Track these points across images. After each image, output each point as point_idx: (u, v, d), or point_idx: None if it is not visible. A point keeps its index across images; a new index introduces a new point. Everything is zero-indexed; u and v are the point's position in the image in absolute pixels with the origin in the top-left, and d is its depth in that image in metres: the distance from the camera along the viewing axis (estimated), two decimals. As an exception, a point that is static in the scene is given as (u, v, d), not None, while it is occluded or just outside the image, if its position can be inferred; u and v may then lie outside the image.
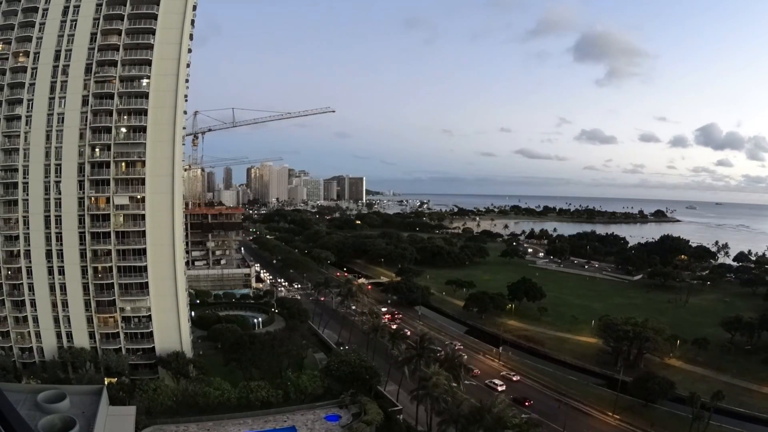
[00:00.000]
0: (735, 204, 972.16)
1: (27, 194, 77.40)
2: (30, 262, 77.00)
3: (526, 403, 76.02)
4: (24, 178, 77.50)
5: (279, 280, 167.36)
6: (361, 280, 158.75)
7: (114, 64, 78.85)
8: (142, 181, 78.55)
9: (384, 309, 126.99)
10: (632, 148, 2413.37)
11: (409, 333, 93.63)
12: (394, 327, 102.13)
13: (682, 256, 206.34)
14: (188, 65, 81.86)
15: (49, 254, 77.16)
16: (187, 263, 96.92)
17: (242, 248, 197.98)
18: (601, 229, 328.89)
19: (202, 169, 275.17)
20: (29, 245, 77.00)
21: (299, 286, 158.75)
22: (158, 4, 79.37)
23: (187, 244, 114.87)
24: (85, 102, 78.37)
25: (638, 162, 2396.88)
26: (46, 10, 78.92)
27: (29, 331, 77.62)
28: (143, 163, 78.53)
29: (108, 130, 78.47)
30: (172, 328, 79.15)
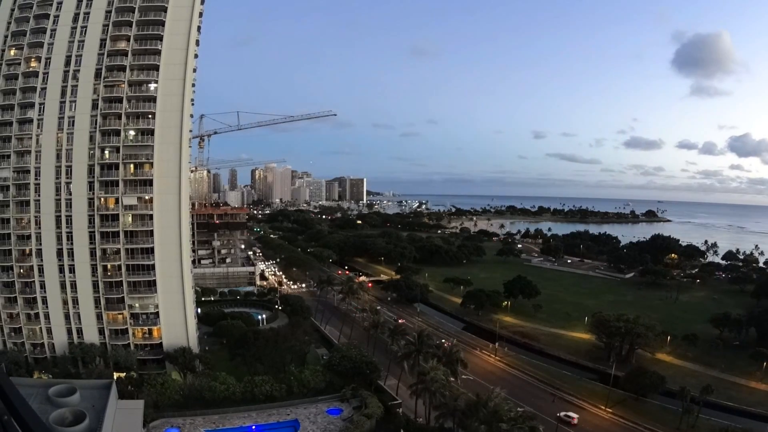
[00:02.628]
0: (690, 203, 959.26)
1: (39, 195, 77.44)
2: (42, 260, 77.10)
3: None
4: (36, 179, 77.54)
5: (280, 275, 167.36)
6: (362, 278, 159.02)
7: (123, 68, 78.88)
8: (150, 183, 78.58)
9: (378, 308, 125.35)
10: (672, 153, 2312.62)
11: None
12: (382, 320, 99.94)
13: (673, 255, 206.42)
14: (194, 70, 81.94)
15: (60, 253, 77.22)
16: (193, 262, 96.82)
17: (252, 248, 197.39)
18: (594, 229, 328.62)
19: (208, 171, 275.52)
20: (41, 244, 77.09)
21: (304, 285, 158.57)
22: (165, 11, 79.39)
23: (193, 243, 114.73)
24: (94, 106, 78.43)
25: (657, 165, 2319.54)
26: (57, 16, 78.96)
27: (41, 328, 77.69)
28: (151, 164, 78.55)
29: (117, 132, 78.49)
30: (179, 324, 79.19)
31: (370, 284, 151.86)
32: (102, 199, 78.42)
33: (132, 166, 79.12)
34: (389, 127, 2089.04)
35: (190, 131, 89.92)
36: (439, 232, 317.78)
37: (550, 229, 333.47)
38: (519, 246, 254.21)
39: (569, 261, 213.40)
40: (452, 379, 64.50)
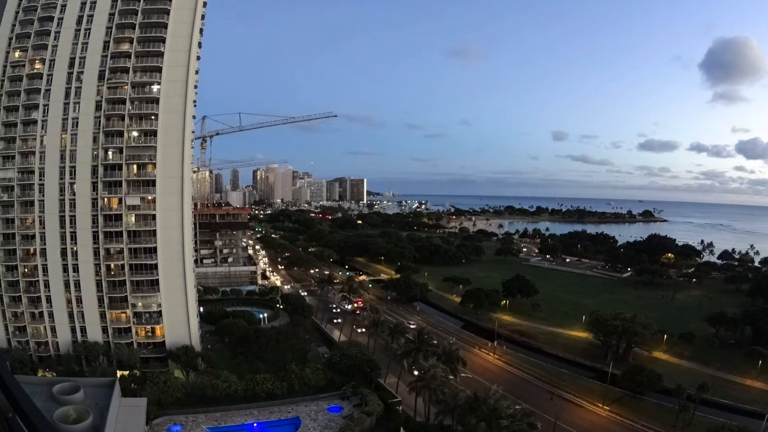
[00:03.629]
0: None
1: (43, 195, 77.43)
2: (46, 260, 77.12)
3: None
4: (40, 179, 77.53)
5: (282, 273, 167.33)
6: (362, 277, 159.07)
7: (126, 70, 78.87)
8: (153, 183, 78.59)
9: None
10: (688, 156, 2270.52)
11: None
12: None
13: (669, 255, 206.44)
14: (197, 72, 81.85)
15: (64, 253, 77.24)
16: (195, 261, 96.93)
17: (254, 247, 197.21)
18: (592, 229, 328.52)
19: (210, 171, 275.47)
20: (45, 244, 77.10)
21: (305, 284, 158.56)
22: (168, 14, 79.40)
23: (195, 242, 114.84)
24: (98, 107, 78.40)
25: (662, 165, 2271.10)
26: (61, 19, 78.96)
27: (45, 326, 77.69)
28: (154, 165, 78.56)
29: (120, 133, 78.49)
30: (181, 323, 79.19)
31: (370, 283, 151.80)
32: (105, 199, 78.41)
33: (135, 166, 79.11)
34: (418, 128, 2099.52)
35: (193, 132, 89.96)
36: (438, 231, 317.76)
37: (548, 229, 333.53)
38: (522, 246, 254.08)
39: (567, 260, 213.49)
40: (451, 377, 64.51)
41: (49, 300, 77.28)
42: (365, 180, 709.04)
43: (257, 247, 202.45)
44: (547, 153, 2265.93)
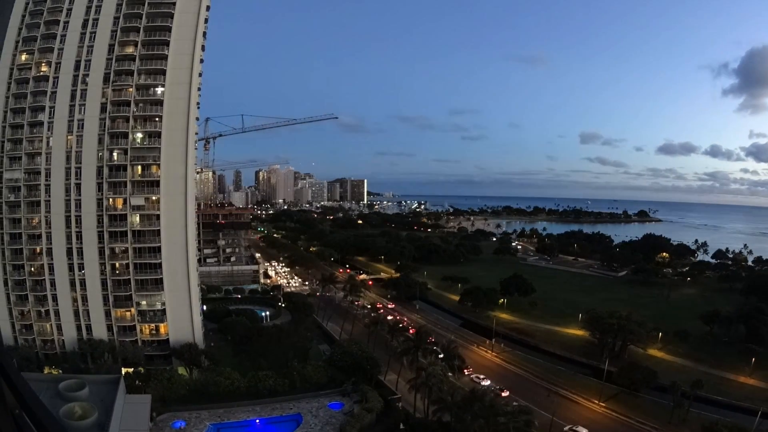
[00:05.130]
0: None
1: (49, 195, 77.48)
2: (52, 259, 77.14)
3: None
4: (46, 180, 77.59)
5: (284, 272, 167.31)
6: (363, 276, 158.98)
7: (130, 73, 78.93)
8: (157, 184, 78.64)
9: (379, 306, 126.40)
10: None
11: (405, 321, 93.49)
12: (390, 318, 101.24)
13: (664, 254, 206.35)
14: (200, 74, 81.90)
15: (69, 252, 77.26)
16: (199, 260, 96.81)
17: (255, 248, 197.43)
18: (588, 229, 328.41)
19: (214, 172, 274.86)
20: (51, 243, 77.12)
21: (307, 283, 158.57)
22: (172, 18, 79.46)
23: (199, 242, 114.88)
24: (103, 109, 78.47)
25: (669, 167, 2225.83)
26: (67, 22, 79.03)
27: (51, 324, 77.73)
28: (158, 166, 78.63)
29: (125, 135, 78.56)
30: (185, 321, 79.23)
31: (370, 282, 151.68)
32: (110, 199, 78.45)
33: (140, 167, 79.16)
34: (464, 129, 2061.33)
35: (196, 134, 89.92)
36: (437, 231, 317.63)
37: (545, 229, 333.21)
38: (519, 246, 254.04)
39: (564, 260, 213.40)
40: (450, 374, 64.53)
41: (55, 298, 77.34)
42: (365, 181, 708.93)
43: (261, 244, 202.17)
44: (570, 155, 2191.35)
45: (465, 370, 79.50)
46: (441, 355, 72.39)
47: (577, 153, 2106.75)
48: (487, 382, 78.84)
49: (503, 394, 74.02)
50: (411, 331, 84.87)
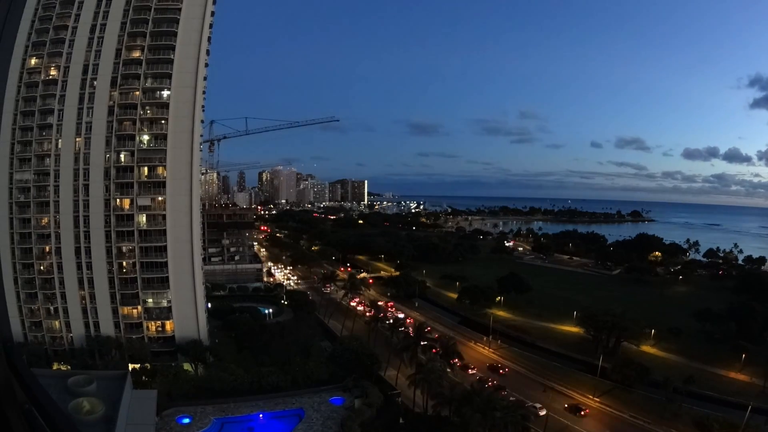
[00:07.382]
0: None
1: (58, 196, 77.50)
2: (61, 258, 77.14)
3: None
4: (55, 181, 77.61)
5: (286, 271, 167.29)
6: (363, 275, 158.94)
7: (137, 77, 78.95)
8: (163, 184, 78.62)
9: (380, 303, 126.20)
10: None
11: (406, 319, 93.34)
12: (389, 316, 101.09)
13: (657, 253, 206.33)
14: (205, 78, 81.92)
15: (78, 251, 77.28)
16: (204, 259, 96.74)
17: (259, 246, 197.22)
18: (583, 229, 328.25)
19: (218, 173, 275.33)
20: (60, 243, 77.13)
21: (308, 282, 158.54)
22: (177, 23, 79.45)
23: (204, 241, 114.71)
24: (110, 112, 78.47)
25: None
26: (76, 27, 79.06)
27: (60, 322, 77.75)
28: (164, 167, 78.62)
29: (132, 137, 78.55)
30: (190, 318, 79.23)
31: (371, 281, 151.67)
32: (118, 200, 78.47)
33: (146, 168, 79.17)
34: (498, 133, 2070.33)
35: (201, 136, 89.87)
36: (436, 231, 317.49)
37: (540, 229, 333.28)
38: (511, 244, 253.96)
39: (559, 258, 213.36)
40: (449, 370, 64.50)
41: (63, 296, 77.35)
42: (365, 182, 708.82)
43: (264, 245, 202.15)
44: (598, 160, 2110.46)
45: (468, 370, 79.45)
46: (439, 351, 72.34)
47: (610, 158, 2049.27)
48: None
49: (494, 384, 73.35)
50: (409, 321, 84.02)
